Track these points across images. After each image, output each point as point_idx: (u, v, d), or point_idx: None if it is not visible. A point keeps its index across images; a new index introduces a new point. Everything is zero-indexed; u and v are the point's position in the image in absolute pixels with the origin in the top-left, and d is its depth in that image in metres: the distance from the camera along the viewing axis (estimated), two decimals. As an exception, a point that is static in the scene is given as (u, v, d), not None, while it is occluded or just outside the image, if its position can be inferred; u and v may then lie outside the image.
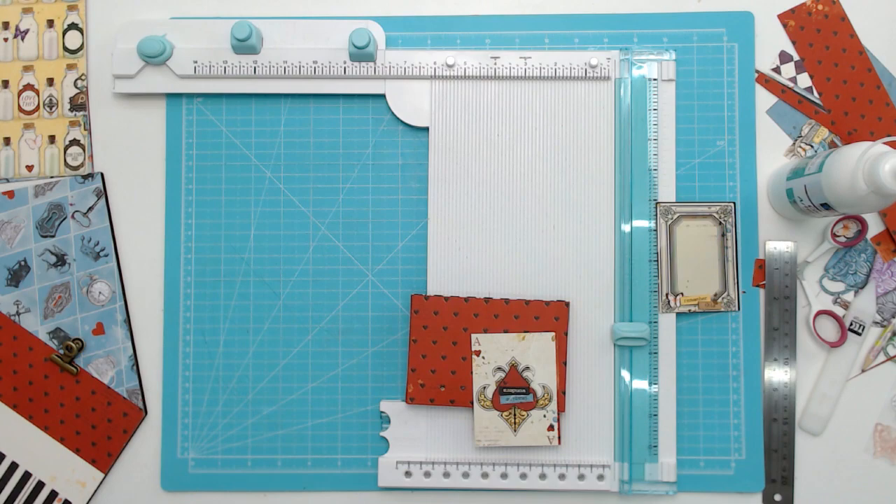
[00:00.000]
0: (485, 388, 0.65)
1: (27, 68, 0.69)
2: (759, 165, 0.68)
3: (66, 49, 0.69)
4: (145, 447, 0.68)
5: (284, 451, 0.67)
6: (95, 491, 0.67)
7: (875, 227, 0.68)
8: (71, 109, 0.69)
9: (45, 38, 0.69)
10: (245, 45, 0.65)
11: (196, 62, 0.66)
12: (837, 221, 0.67)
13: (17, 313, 0.68)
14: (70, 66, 0.69)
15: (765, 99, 0.68)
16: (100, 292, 0.68)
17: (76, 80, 0.69)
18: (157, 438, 0.67)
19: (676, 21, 0.68)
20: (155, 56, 0.65)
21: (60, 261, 0.68)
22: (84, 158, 0.69)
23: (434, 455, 0.66)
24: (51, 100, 0.69)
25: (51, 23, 0.69)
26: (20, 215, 0.68)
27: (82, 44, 0.69)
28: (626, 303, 0.66)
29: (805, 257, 0.68)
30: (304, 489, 0.67)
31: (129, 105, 0.69)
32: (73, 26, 0.69)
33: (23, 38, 0.69)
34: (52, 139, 0.69)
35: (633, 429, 0.65)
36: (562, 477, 0.65)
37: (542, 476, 0.65)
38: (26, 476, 0.67)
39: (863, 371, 0.68)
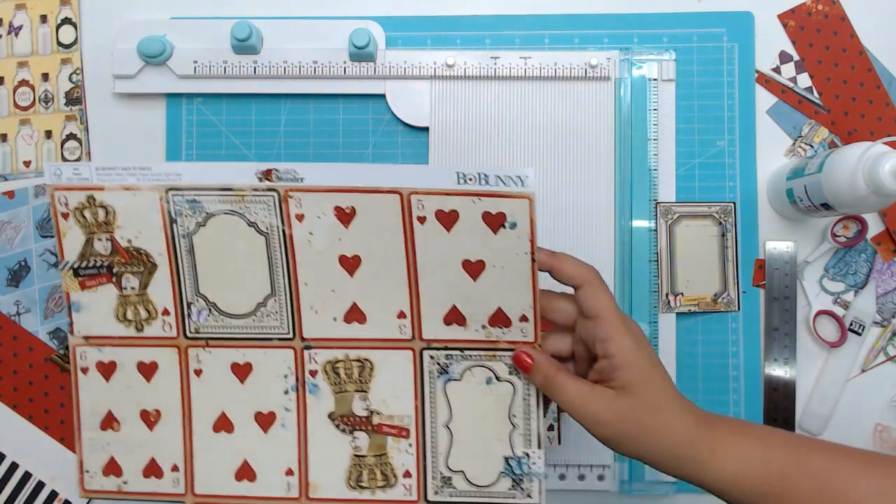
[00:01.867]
0: (485, 388, 0.65)
1: (21, 64, 0.69)
2: (759, 165, 0.68)
3: (59, 44, 0.69)
4: (145, 447, 0.68)
5: (284, 451, 0.67)
6: (95, 491, 0.68)
7: (875, 227, 0.68)
8: (67, 104, 0.69)
9: (38, 33, 0.69)
10: (245, 45, 0.65)
11: (196, 62, 0.66)
12: (837, 221, 0.67)
13: (17, 313, 0.68)
14: (64, 61, 0.69)
15: (765, 99, 0.68)
16: (100, 292, 0.68)
17: (71, 74, 0.69)
18: (157, 438, 0.67)
19: (676, 21, 0.68)
20: (155, 56, 0.65)
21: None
22: (81, 153, 0.69)
23: (434, 455, 0.66)
24: (46, 95, 0.69)
25: (44, 18, 0.69)
26: (20, 215, 0.68)
27: (76, 38, 0.69)
28: (626, 303, 0.66)
29: (805, 257, 0.68)
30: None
31: (129, 105, 0.69)
32: (66, 21, 0.69)
33: (16, 35, 0.69)
34: (48, 134, 0.69)
35: (633, 429, 0.65)
36: (562, 477, 0.65)
37: (542, 476, 0.65)
38: (26, 476, 0.67)
39: (863, 371, 0.68)
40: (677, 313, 0.66)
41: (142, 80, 0.67)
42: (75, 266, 0.51)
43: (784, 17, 0.69)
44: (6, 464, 0.68)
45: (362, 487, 0.51)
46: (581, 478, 0.65)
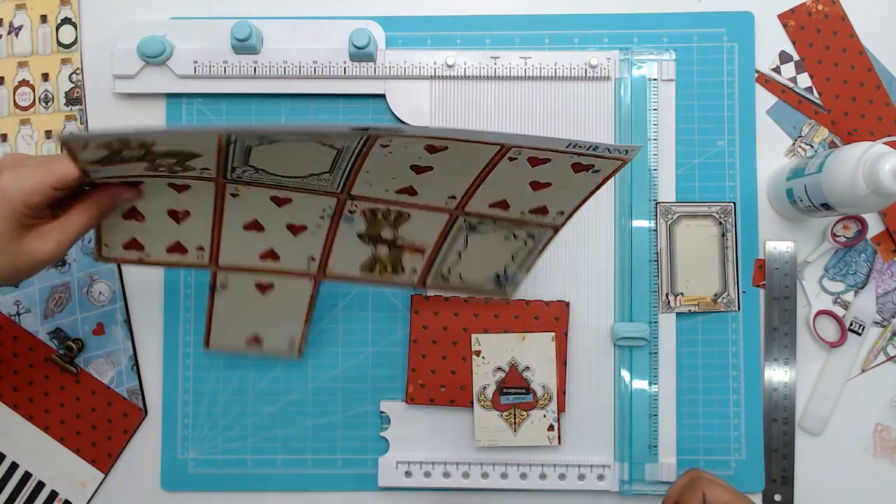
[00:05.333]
0: (485, 388, 0.65)
1: (22, 64, 0.69)
2: (759, 165, 0.68)
3: (59, 44, 0.69)
4: (145, 447, 0.68)
5: (284, 451, 0.67)
6: (96, 491, 0.67)
7: (875, 227, 0.68)
8: (67, 104, 0.69)
9: (38, 33, 0.69)
10: (245, 45, 0.65)
11: (196, 62, 0.66)
12: (837, 221, 0.67)
13: (17, 313, 0.68)
14: (64, 61, 0.69)
15: (765, 99, 0.68)
16: (100, 292, 0.68)
17: (71, 74, 0.69)
18: (157, 438, 0.67)
19: (676, 21, 0.68)
20: (155, 56, 0.65)
21: (60, 261, 0.68)
22: (83, 157, 0.69)
23: (434, 455, 0.66)
24: (46, 95, 0.69)
25: (44, 18, 0.69)
26: (20, 215, 0.68)
27: (76, 38, 0.69)
28: (626, 303, 0.66)
29: (805, 257, 0.68)
30: (304, 489, 0.67)
31: (129, 105, 0.69)
32: (66, 21, 0.69)
33: (17, 35, 0.69)
34: (48, 134, 0.69)
35: (633, 429, 0.65)
36: (562, 477, 0.65)
37: (542, 476, 0.65)
38: (26, 476, 0.67)
39: (863, 371, 0.68)
40: (677, 313, 0.66)
41: (142, 80, 0.67)
42: None
43: (784, 17, 0.69)
44: (6, 464, 0.67)
45: (371, 272, 0.58)
46: (581, 478, 0.65)
